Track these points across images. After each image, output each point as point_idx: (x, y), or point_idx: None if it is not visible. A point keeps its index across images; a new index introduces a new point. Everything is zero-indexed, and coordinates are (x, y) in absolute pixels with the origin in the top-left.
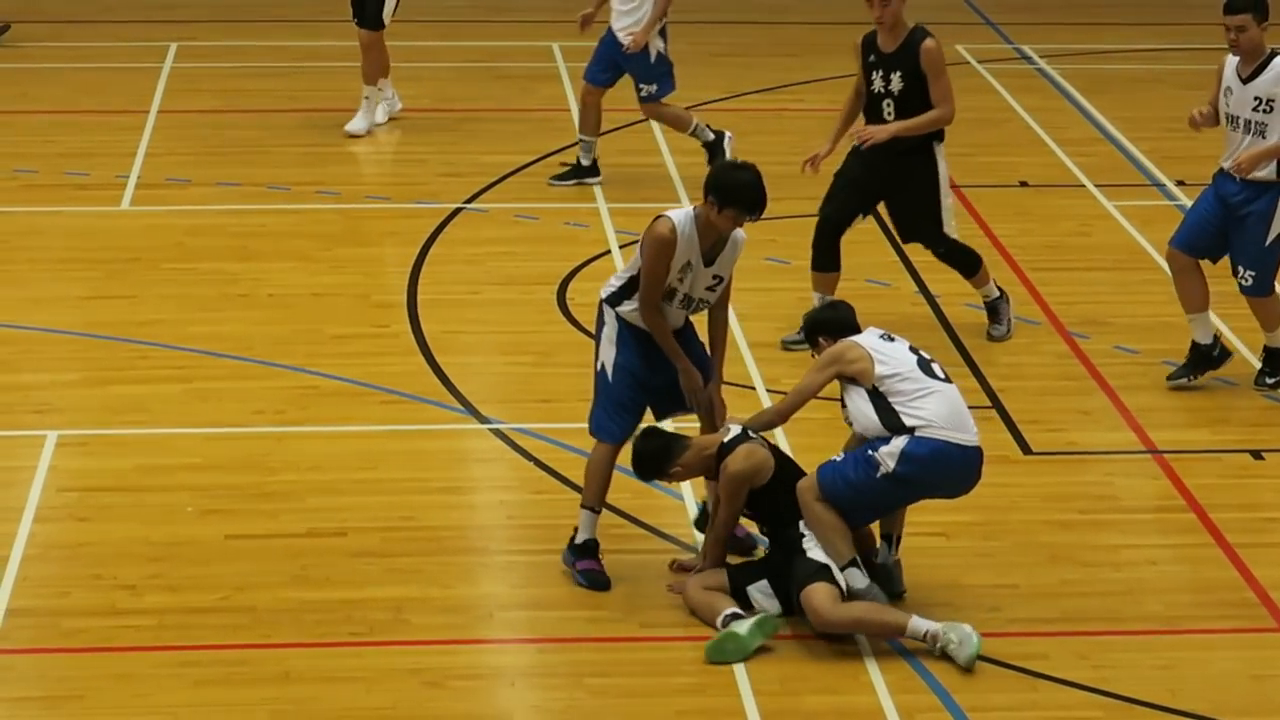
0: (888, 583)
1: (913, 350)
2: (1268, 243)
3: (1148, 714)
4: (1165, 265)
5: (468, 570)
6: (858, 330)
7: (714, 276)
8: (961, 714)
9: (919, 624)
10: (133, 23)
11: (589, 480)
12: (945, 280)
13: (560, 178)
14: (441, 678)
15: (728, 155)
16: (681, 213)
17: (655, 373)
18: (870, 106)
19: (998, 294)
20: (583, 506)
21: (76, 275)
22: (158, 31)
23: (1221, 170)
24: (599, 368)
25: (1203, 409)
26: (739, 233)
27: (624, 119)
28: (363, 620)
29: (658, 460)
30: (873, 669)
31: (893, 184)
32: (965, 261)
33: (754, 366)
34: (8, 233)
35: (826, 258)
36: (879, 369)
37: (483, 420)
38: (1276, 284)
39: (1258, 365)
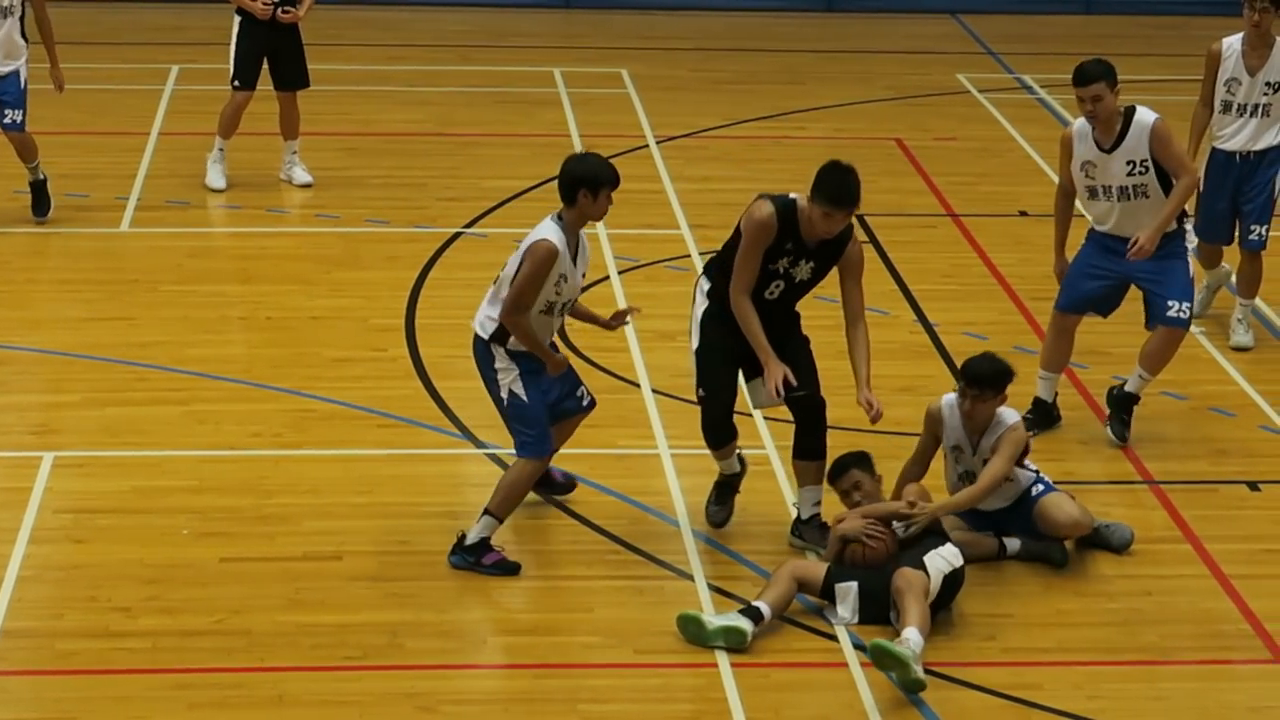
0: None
1: None
2: (1190, 274)
3: None
4: None
5: (463, 595)
6: None
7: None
8: None
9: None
10: (135, 45)
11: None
12: (943, 309)
13: None
14: (435, 702)
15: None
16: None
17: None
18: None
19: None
20: (494, 515)
21: (76, 296)
22: (160, 54)
23: (1112, 236)
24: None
25: (1200, 440)
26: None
27: (625, 144)
28: (358, 644)
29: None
30: (867, 697)
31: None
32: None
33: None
34: (8, 253)
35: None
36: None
37: (480, 445)
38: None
39: (1254, 394)
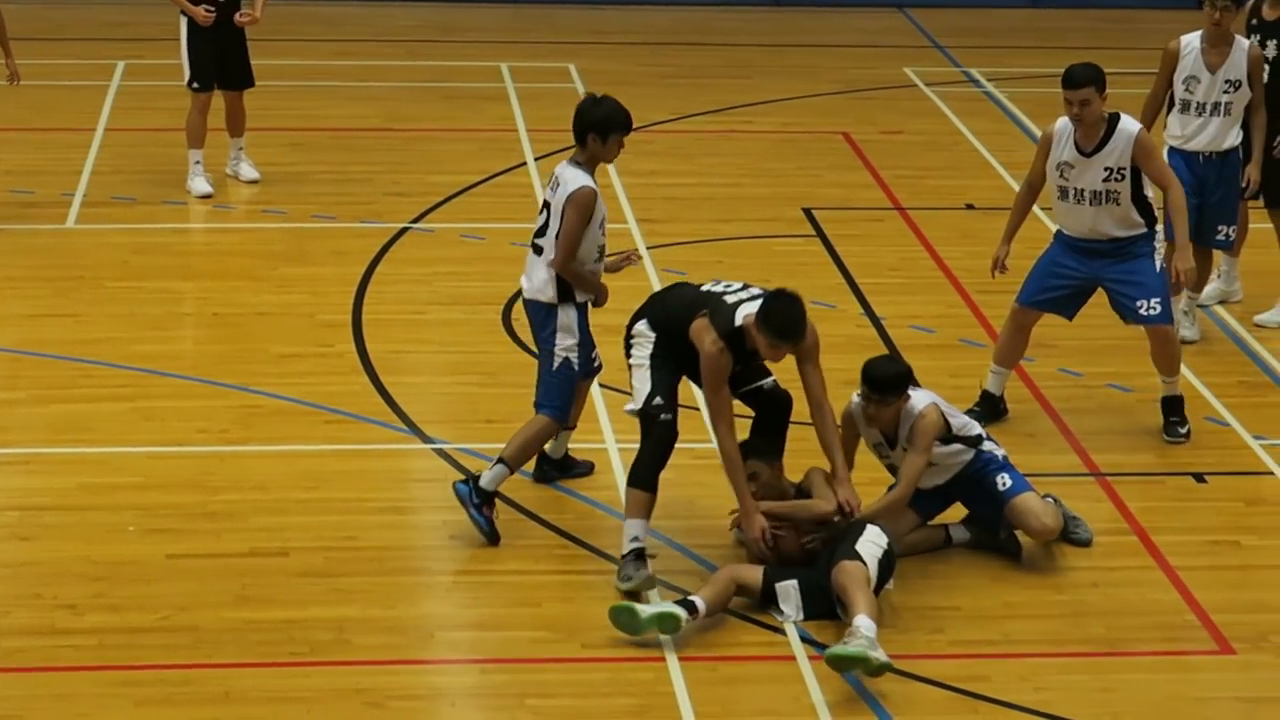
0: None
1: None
2: (1158, 269)
3: None
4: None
5: (410, 590)
6: None
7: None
8: None
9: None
10: (81, 40)
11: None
12: (890, 302)
13: None
14: (383, 698)
15: None
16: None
17: None
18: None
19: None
20: (507, 464)
21: (21, 293)
22: (106, 50)
23: (1065, 234)
24: None
25: (1146, 432)
26: None
27: (571, 139)
28: (305, 640)
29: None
30: (814, 690)
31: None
32: None
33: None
34: None
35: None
36: (946, 414)
37: (427, 440)
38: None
39: (1200, 387)
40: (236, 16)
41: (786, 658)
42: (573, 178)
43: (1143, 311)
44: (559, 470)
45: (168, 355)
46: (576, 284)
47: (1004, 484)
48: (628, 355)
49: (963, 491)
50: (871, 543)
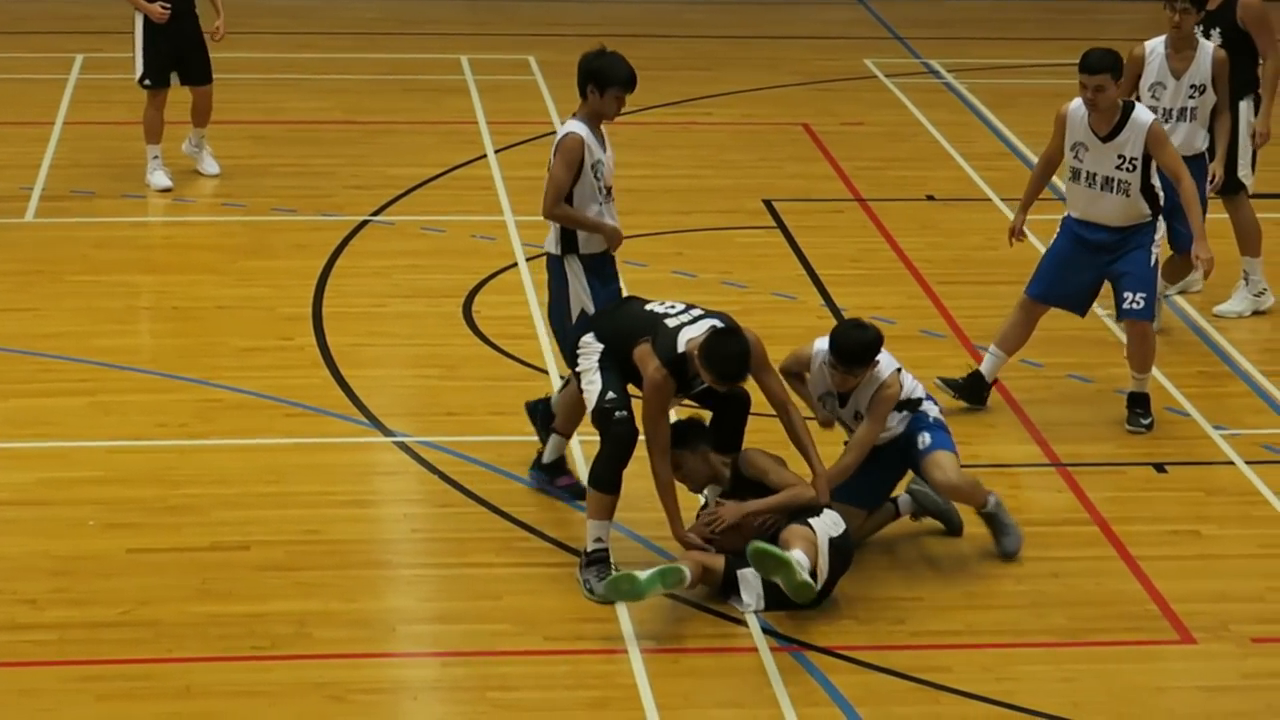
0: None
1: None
2: (1151, 264)
3: None
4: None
5: (372, 584)
6: None
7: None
8: None
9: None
10: (39, 34)
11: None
12: (851, 294)
13: None
14: (345, 692)
15: None
16: None
17: None
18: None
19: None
20: (561, 433)
21: None
22: (65, 43)
23: (1074, 219)
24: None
25: (1107, 422)
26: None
27: (533, 131)
28: (266, 634)
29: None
30: (776, 682)
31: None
32: None
33: None
34: None
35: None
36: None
37: (388, 433)
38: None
39: (1160, 377)
40: (212, 36)
41: (748, 649)
42: (564, 127)
43: (1125, 305)
44: (548, 475)
45: (128, 349)
46: (574, 225)
47: (924, 442)
48: (574, 365)
49: (884, 451)
50: (827, 523)
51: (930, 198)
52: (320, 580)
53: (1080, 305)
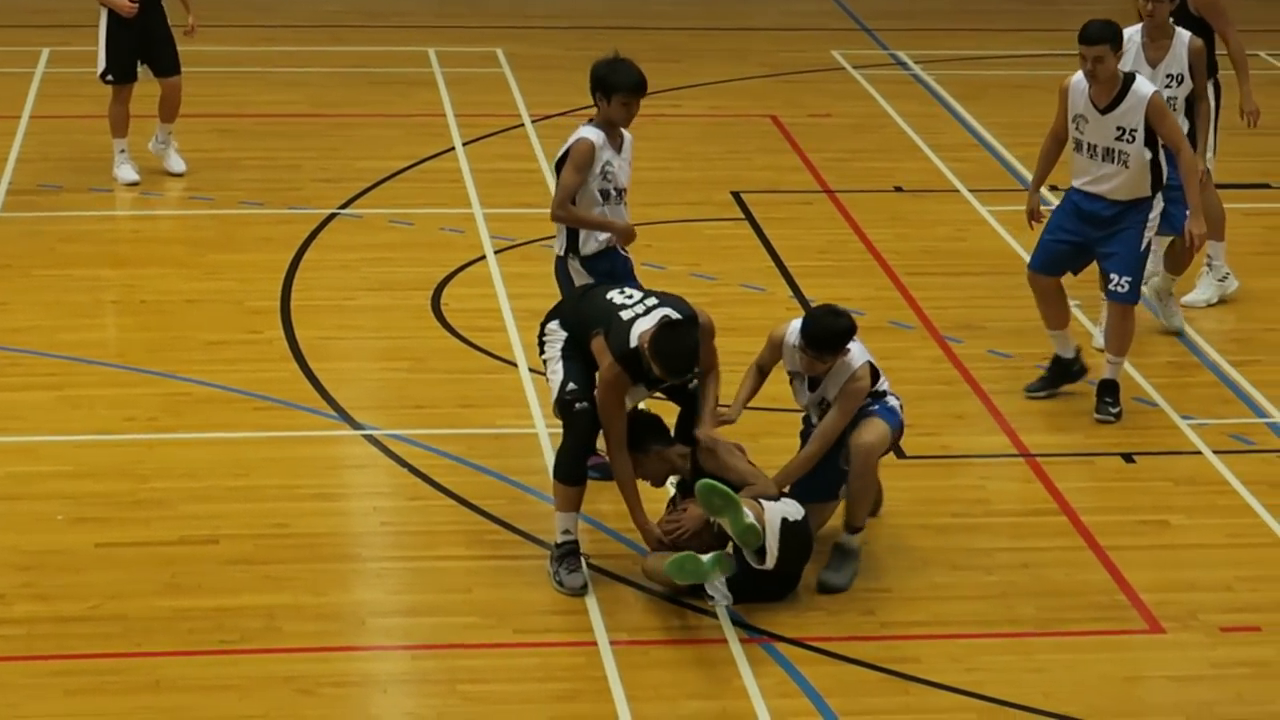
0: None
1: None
2: (1141, 248)
3: (1020, 717)
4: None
5: (341, 577)
6: None
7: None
8: (834, 717)
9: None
10: (5, 27)
11: None
12: (820, 285)
13: None
14: (314, 685)
15: None
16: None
17: None
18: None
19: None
20: None
21: None
22: (30, 36)
23: (1076, 189)
24: None
25: (1075, 413)
26: None
27: (500, 124)
28: (235, 628)
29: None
30: (746, 674)
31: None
32: None
33: None
34: None
35: None
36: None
37: (357, 426)
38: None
39: (1128, 367)
40: (184, 31)
41: (719, 641)
42: (577, 132)
43: (1110, 286)
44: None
45: (95, 343)
46: (581, 226)
47: (868, 410)
48: (541, 353)
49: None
50: (785, 506)
51: (898, 189)
52: (289, 574)
53: (1074, 265)
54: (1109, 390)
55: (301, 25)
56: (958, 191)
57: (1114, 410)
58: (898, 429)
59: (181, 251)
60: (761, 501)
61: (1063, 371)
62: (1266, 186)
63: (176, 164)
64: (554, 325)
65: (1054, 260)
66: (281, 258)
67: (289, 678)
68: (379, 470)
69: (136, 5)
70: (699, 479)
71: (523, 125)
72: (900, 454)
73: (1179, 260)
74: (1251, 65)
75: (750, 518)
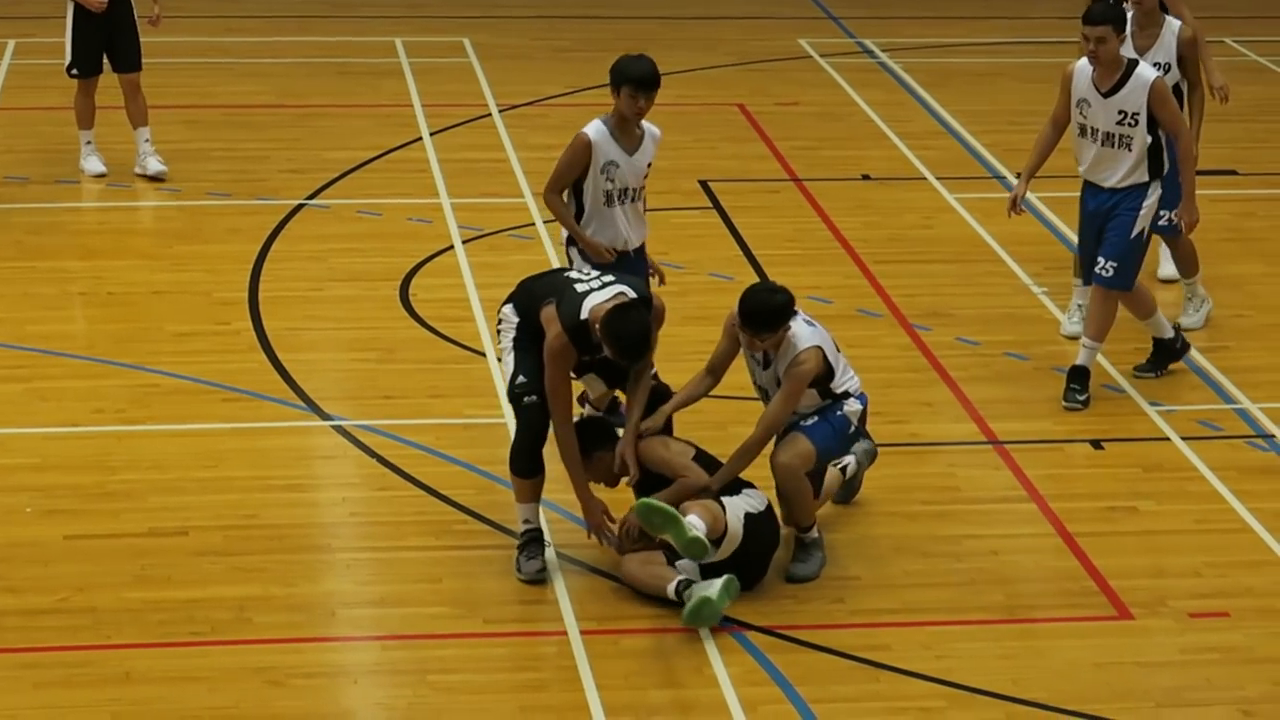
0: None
1: (811, 322)
2: (1132, 235)
3: (990, 703)
4: (1007, 257)
5: (311, 568)
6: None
7: None
8: (804, 705)
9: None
10: None
11: None
12: (788, 274)
13: None
14: (284, 676)
15: None
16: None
17: None
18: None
19: None
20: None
21: None
22: None
23: (1086, 182)
24: None
25: (1043, 400)
26: None
27: (468, 114)
28: (205, 620)
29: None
30: (716, 662)
31: None
32: None
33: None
34: None
35: None
36: (831, 364)
37: (325, 417)
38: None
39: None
40: (148, 21)
41: (688, 630)
42: (587, 126)
43: (1096, 269)
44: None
45: (63, 335)
46: (557, 218)
47: (804, 423)
48: (498, 341)
49: None
50: (746, 499)
51: (866, 177)
52: (259, 565)
53: None
54: (1078, 377)
55: (268, 15)
56: (925, 179)
57: (1081, 398)
58: (828, 450)
59: (149, 243)
60: (722, 500)
61: (1166, 352)
62: (1233, 173)
63: (155, 165)
64: (507, 310)
65: (1091, 263)
66: (249, 249)
67: (259, 669)
68: (348, 461)
69: (104, 5)
70: (646, 477)
71: (490, 115)
72: (847, 497)
73: (1185, 261)
74: (1218, 52)
75: (694, 530)
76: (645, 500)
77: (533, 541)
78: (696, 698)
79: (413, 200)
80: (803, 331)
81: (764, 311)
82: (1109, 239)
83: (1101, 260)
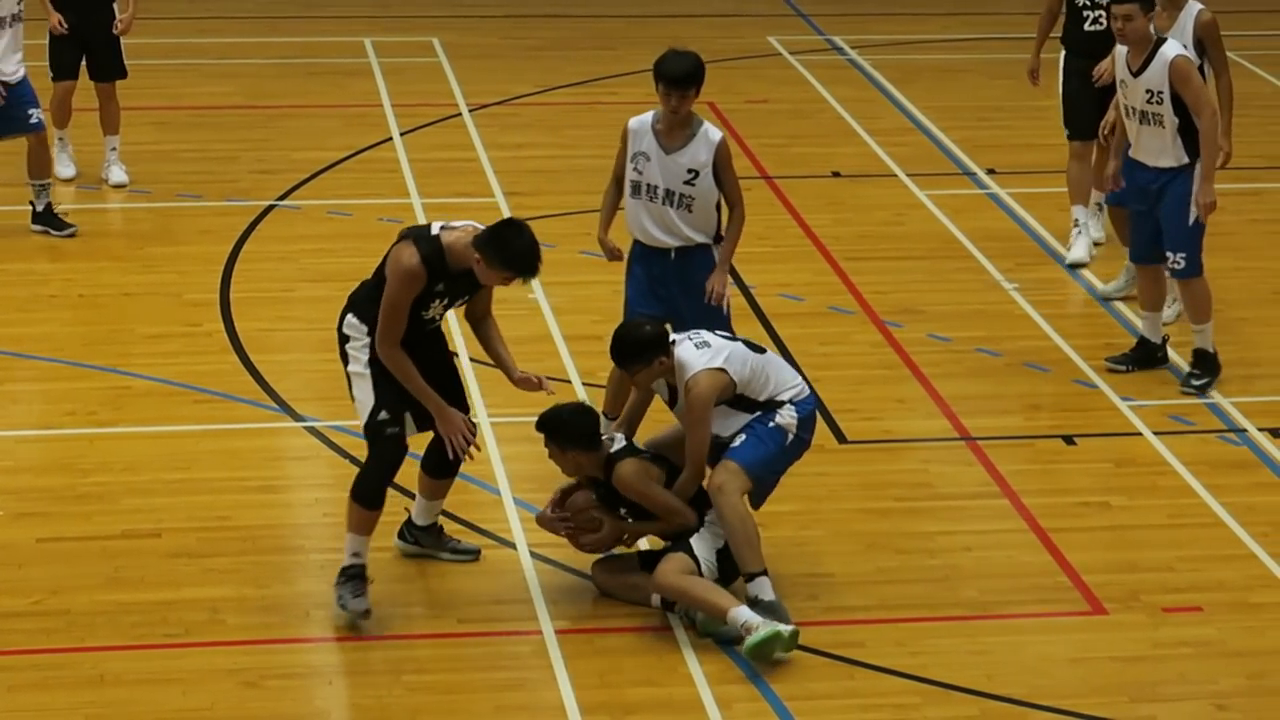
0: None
1: (728, 338)
2: (1190, 222)
3: (965, 699)
4: (978, 253)
5: (284, 569)
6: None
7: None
8: (779, 703)
9: (740, 614)
10: None
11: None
12: (759, 271)
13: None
14: (259, 677)
15: None
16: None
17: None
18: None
19: None
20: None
21: None
22: None
23: (1130, 159)
24: None
25: (1015, 396)
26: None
27: (438, 113)
28: (179, 621)
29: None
30: (691, 660)
31: None
32: None
33: (570, 360)
34: None
35: None
36: (738, 379)
37: (298, 418)
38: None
39: (1067, 350)
40: (114, 27)
41: (663, 628)
42: None
43: (1169, 264)
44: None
45: (34, 338)
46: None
47: (736, 441)
48: (344, 360)
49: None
50: (713, 534)
51: (836, 174)
52: (232, 566)
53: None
54: (1197, 360)
55: (236, 16)
56: (895, 176)
57: (1197, 383)
58: (761, 462)
59: (119, 245)
60: (692, 544)
61: (1147, 355)
62: None
63: (118, 175)
64: (352, 319)
65: (1143, 246)
66: (220, 250)
67: (233, 670)
68: (320, 461)
69: (67, 30)
70: (609, 495)
71: (460, 115)
72: (842, 439)
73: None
74: None
75: (782, 628)
76: (743, 650)
77: (358, 578)
78: (672, 696)
79: (383, 200)
80: (688, 356)
81: (619, 345)
82: (1169, 232)
83: (1170, 255)
